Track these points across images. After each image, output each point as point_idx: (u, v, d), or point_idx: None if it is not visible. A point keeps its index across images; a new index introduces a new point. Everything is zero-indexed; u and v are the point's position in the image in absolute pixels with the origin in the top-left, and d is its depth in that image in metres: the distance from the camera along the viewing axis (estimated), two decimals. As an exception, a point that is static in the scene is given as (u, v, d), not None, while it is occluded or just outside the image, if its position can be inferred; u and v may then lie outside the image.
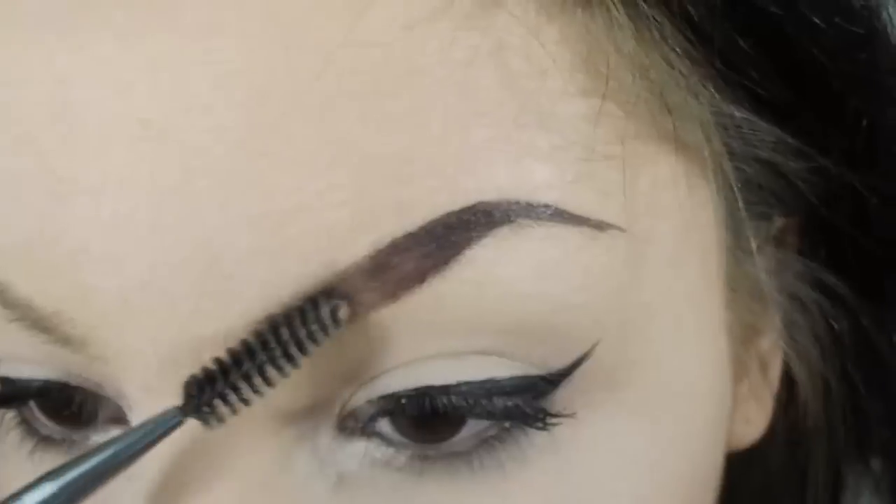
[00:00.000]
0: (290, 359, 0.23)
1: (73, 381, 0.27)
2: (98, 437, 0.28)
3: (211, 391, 0.23)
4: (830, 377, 0.34)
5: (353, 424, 0.26)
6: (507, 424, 0.25)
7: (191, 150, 0.23)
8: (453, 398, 0.25)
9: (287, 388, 0.24)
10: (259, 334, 0.23)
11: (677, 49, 0.25)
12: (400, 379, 0.25)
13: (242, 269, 0.23)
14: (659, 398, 0.27)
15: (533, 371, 0.25)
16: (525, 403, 0.25)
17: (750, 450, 0.34)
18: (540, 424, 0.25)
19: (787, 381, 0.34)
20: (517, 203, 0.24)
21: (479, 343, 0.25)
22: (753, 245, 0.31)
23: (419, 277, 0.23)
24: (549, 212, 0.24)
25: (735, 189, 0.28)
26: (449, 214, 0.23)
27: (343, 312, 0.23)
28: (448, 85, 0.23)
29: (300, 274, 0.23)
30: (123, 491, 0.26)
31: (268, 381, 0.23)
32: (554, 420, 0.25)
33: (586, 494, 0.26)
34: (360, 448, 0.26)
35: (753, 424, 0.34)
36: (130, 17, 0.23)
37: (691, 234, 0.28)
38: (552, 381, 0.25)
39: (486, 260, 0.24)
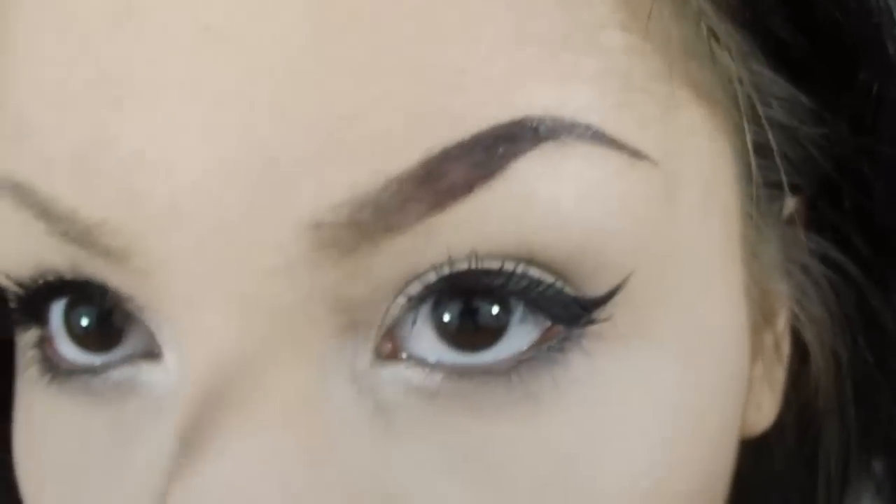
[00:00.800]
0: None
1: (109, 301, 0.27)
2: (121, 371, 0.28)
3: None
4: (841, 352, 0.35)
5: (391, 347, 0.26)
6: (542, 347, 0.26)
7: (251, 56, 0.24)
8: (495, 280, 0.25)
9: (327, 303, 0.25)
10: None
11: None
12: (443, 272, 0.25)
13: (297, 174, 0.24)
14: (687, 343, 0.28)
15: (571, 291, 0.26)
16: (561, 317, 0.26)
17: (761, 440, 0.35)
18: (569, 344, 0.26)
19: (799, 359, 0.35)
20: (562, 120, 0.25)
21: (523, 252, 0.25)
22: (774, 218, 0.32)
23: (467, 187, 0.24)
24: (590, 132, 0.25)
25: (750, 151, 0.30)
26: (498, 126, 0.24)
27: None
28: (502, 2, 0.24)
29: (353, 179, 0.24)
30: (147, 424, 0.27)
31: None
32: (582, 341, 0.26)
33: (617, 431, 0.27)
34: (396, 372, 0.26)
35: (764, 412, 0.34)
36: None
37: (714, 188, 0.29)
38: (587, 307, 0.26)
39: (530, 174, 0.24)
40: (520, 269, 0.25)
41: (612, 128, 0.25)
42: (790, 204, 0.33)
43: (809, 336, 0.34)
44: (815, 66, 0.30)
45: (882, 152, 0.33)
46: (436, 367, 0.26)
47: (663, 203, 0.27)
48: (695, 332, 0.28)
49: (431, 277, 0.25)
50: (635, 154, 0.26)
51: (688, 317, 0.28)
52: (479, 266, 0.25)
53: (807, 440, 0.36)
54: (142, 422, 0.27)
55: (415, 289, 0.26)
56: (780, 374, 0.34)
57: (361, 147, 0.24)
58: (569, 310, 0.26)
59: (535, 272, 0.25)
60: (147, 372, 0.27)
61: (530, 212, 0.25)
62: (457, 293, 0.26)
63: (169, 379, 0.27)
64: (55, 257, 0.26)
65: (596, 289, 0.26)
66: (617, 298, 0.26)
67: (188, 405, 0.25)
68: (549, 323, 0.26)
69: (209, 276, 0.25)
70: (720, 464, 0.29)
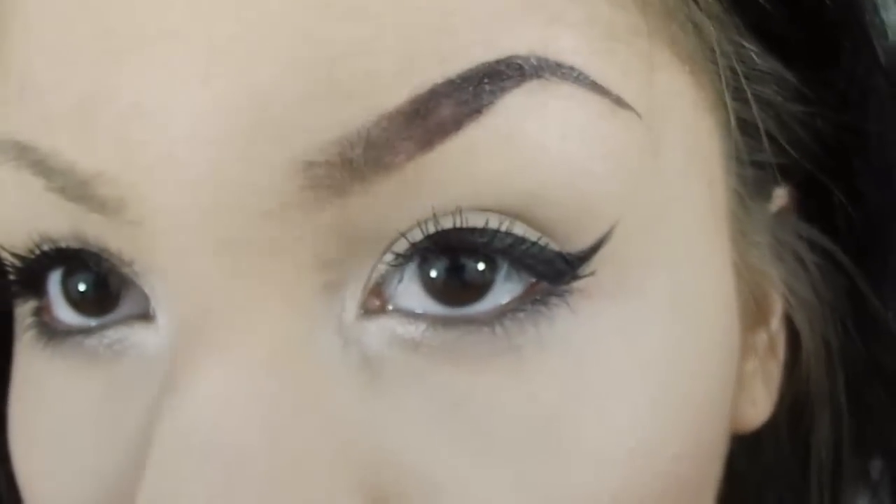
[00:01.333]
0: None
1: (104, 256, 0.27)
2: (115, 331, 0.28)
3: None
4: (832, 340, 0.35)
5: (378, 303, 0.26)
6: (525, 301, 0.26)
7: (244, 2, 0.24)
8: (479, 237, 0.26)
9: (318, 245, 0.25)
10: None
11: None
12: (429, 230, 0.26)
13: (291, 115, 0.24)
14: (672, 304, 0.28)
15: (555, 247, 0.26)
16: (546, 273, 0.26)
17: (755, 436, 0.35)
18: (554, 299, 0.26)
19: (792, 351, 0.35)
20: (546, 60, 0.25)
21: (507, 203, 0.26)
22: (762, 203, 0.32)
23: (455, 124, 0.25)
24: (574, 73, 0.26)
25: (735, 128, 0.30)
26: (484, 64, 0.25)
27: None
28: None
29: (342, 118, 0.24)
30: (138, 385, 0.27)
31: None
32: (567, 296, 0.26)
33: (602, 389, 0.27)
34: (382, 324, 0.26)
35: (759, 408, 0.34)
36: None
37: (698, 157, 0.29)
38: (572, 262, 0.26)
39: (516, 111, 0.25)
40: (504, 226, 0.26)
41: (595, 72, 0.26)
42: (780, 190, 0.33)
43: (800, 321, 0.34)
44: (799, 43, 0.31)
45: (868, 133, 0.33)
46: (421, 317, 0.26)
47: (647, 155, 0.27)
48: (680, 293, 0.28)
49: (417, 235, 0.26)
50: (618, 101, 0.26)
51: (673, 277, 0.28)
52: (464, 224, 0.26)
53: (799, 434, 0.36)
54: (134, 382, 0.28)
55: (401, 246, 0.26)
56: (775, 371, 0.35)
57: (351, 86, 0.24)
58: (553, 266, 0.26)
59: (519, 229, 0.26)
60: (140, 333, 0.28)
61: (516, 149, 0.25)
62: (442, 251, 0.26)
63: (161, 340, 0.27)
64: (53, 220, 0.27)
65: (581, 242, 0.26)
66: (602, 254, 0.26)
67: (176, 352, 0.26)
68: (533, 279, 0.26)
69: (202, 222, 0.25)
70: (709, 434, 0.29)
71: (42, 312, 0.29)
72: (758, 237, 0.32)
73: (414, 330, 0.26)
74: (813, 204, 0.35)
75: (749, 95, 0.30)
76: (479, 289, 0.26)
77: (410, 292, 0.26)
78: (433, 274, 0.26)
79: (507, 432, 0.26)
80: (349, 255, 0.26)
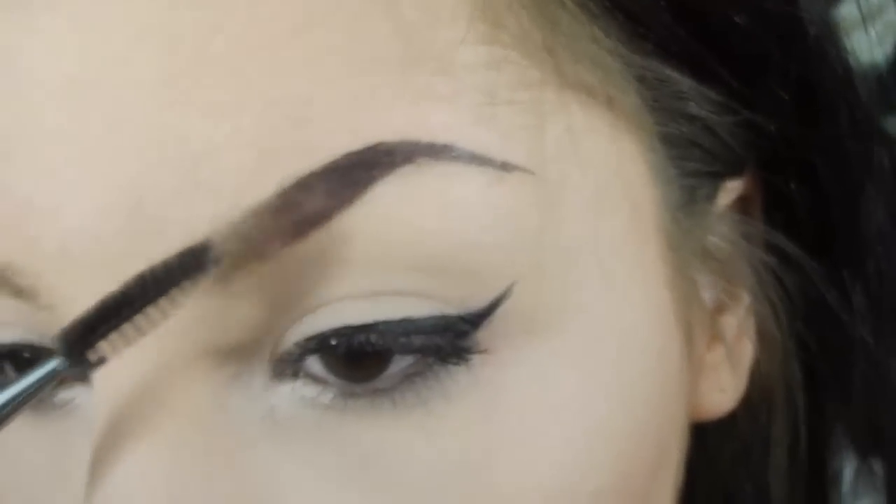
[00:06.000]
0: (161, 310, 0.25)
1: (38, 341, 0.29)
2: (63, 392, 0.29)
3: (86, 340, 0.25)
4: (789, 338, 0.35)
5: (285, 366, 0.27)
6: (428, 361, 0.26)
7: (112, 102, 0.25)
8: (372, 336, 0.26)
9: (218, 326, 0.26)
10: (128, 289, 0.25)
11: (575, 1, 0.27)
12: (322, 319, 0.26)
13: (163, 211, 0.25)
14: (587, 344, 0.28)
15: (451, 311, 0.26)
16: (444, 342, 0.26)
17: (727, 419, 0.35)
18: (455, 360, 0.26)
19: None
20: (417, 143, 0.25)
21: (395, 282, 0.26)
22: (703, 205, 0.32)
23: (325, 215, 0.25)
24: (450, 152, 0.25)
25: (659, 144, 0.29)
26: (350, 154, 0.25)
27: (213, 256, 0.25)
28: (342, 33, 0.25)
29: (213, 213, 0.25)
30: (83, 443, 0.28)
31: (139, 331, 0.25)
32: (469, 356, 0.26)
33: (515, 435, 0.27)
34: (290, 388, 0.27)
35: (728, 393, 0.34)
36: None
37: (617, 184, 0.29)
38: (471, 321, 0.26)
39: (390, 198, 0.25)
40: (397, 312, 0.26)
41: (474, 144, 0.26)
42: (729, 191, 0.33)
43: (761, 314, 0.34)
44: (712, 64, 0.30)
45: (814, 135, 0.32)
46: (329, 385, 0.27)
47: (544, 210, 0.27)
48: (596, 331, 0.28)
49: (308, 331, 0.26)
50: (504, 166, 0.26)
51: (584, 318, 0.28)
52: (345, 323, 0.26)
53: (759, 429, 0.36)
54: (77, 440, 0.29)
55: (296, 335, 0.27)
56: (745, 355, 0.34)
57: (218, 182, 0.25)
58: (453, 328, 0.26)
59: (408, 305, 0.26)
60: (81, 394, 0.29)
61: (394, 234, 0.25)
62: (339, 337, 0.27)
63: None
64: None
65: (478, 304, 0.26)
66: (504, 308, 0.26)
67: (99, 427, 0.27)
68: (433, 343, 0.27)
69: None
70: (643, 457, 0.30)
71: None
72: (702, 251, 0.32)
73: (323, 394, 0.27)
74: (770, 203, 0.34)
75: (672, 114, 0.30)
76: (379, 364, 0.27)
77: (315, 369, 0.27)
78: (332, 357, 0.27)
79: (419, 484, 0.27)
80: (248, 333, 0.27)
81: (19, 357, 0.30)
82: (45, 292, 0.27)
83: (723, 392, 0.34)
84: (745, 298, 0.34)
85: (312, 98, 0.25)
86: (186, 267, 0.25)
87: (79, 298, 0.26)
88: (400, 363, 0.27)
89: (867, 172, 0.34)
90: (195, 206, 0.25)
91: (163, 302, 0.25)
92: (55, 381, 0.25)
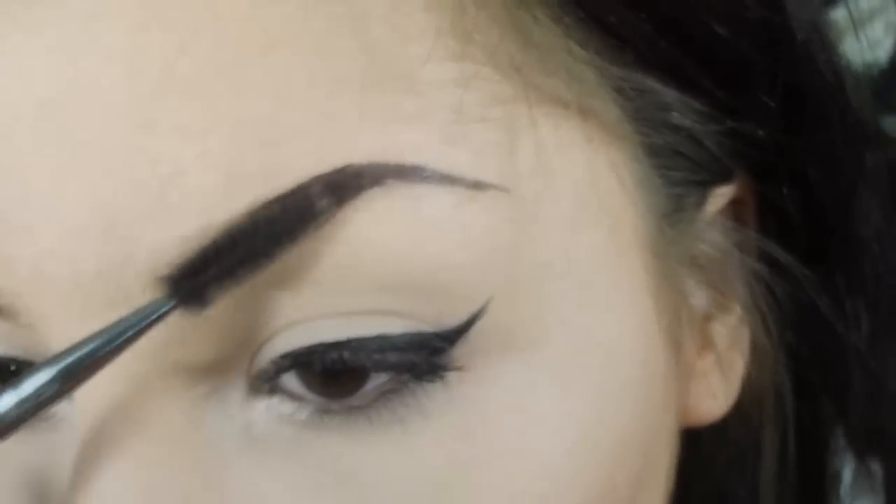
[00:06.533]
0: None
1: (22, 356, 0.29)
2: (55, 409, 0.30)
3: (197, 278, 0.25)
4: (778, 350, 0.34)
5: (261, 383, 0.27)
6: (403, 378, 0.26)
7: (81, 125, 0.25)
8: (345, 353, 0.26)
9: (191, 345, 0.26)
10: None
11: (549, 14, 0.26)
12: (296, 337, 0.26)
13: (133, 232, 0.25)
14: (566, 357, 0.28)
15: (427, 328, 0.26)
16: (420, 359, 0.26)
17: (720, 424, 0.35)
18: (430, 377, 0.26)
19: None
20: (386, 165, 0.25)
21: (368, 302, 0.26)
22: (691, 213, 0.31)
23: (291, 238, 0.25)
24: (420, 173, 0.25)
25: (643, 154, 0.29)
26: (318, 178, 0.25)
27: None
28: (307, 53, 0.25)
29: (182, 235, 0.25)
30: (66, 458, 0.29)
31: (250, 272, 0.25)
32: (444, 373, 0.26)
33: (493, 451, 0.27)
34: (266, 404, 0.27)
35: (720, 400, 0.34)
36: (29, 10, 0.25)
37: (595, 197, 0.28)
38: (447, 338, 0.26)
39: (359, 221, 0.25)
40: (371, 329, 0.26)
41: (443, 164, 0.25)
42: (719, 197, 0.32)
43: (753, 322, 0.34)
44: (698, 75, 0.29)
45: (805, 141, 0.32)
46: (305, 401, 0.27)
47: (518, 227, 0.27)
48: (575, 346, 0.28)
49: (282, 348, 0.26)
50: (475, 185, 0.26)
51: (563, 333, 0.28)
52: (327, 340, 0.26)
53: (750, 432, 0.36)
54: (65, 452, 0.29)
55: (271, 353, 0.27)
56: (737, 361, 0.34)
57: (185, 204, 0.25)
58: (428, 345, 0.26)
59: (380, 324, 0.26)
60: (66, 409, 0.29)
61: (363, 256, 0.25)
62: (313, 354, 0.27)
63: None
64: None
65: (453, 321, 0.26)
66: (480, 325, 0.26)
67: (80, 444, 0.27)
68: (408, 359, 0.27)
69: (77, 327, 0.26)
70: (626, 470, 0.29)
71: None
72: (690, 259, 0.31)
73: (300, 411, 0.27)
74: (766, 203, 0.34)
75: (655, 125, 0.29)
76: (355, 381, 0.27)
77: (292, 385, 0.27)
78: (308, 374, 0.27)
79: (397, 502, 0.27)
80: (222, 351, 0.27)
81: (4, 370, 0.30)
82: (24, 312, 0.27)
83: (714, 398, 0.34)
84: (736, 306, 0.33)
85: (279, 119, 0.25)
86: (291, 213, 0.24)
87: (55, 319, 0.26)
88: (376, 380, 0.27)
89: (860, 176, 0.34)
90: (164, 229, 0.25)
91: (269, 247, 0.25)
92: (162, 319, 0.25)
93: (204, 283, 0.25)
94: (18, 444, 0.30)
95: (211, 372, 0.27)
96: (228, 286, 0.25)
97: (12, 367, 0.29)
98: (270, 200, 0.24)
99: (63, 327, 0.26)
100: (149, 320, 0.25)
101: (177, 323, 0.26)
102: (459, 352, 0.27)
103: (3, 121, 0.25)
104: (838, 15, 0.35)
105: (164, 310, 0.25)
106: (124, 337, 0.25)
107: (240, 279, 0.25)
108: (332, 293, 0.26)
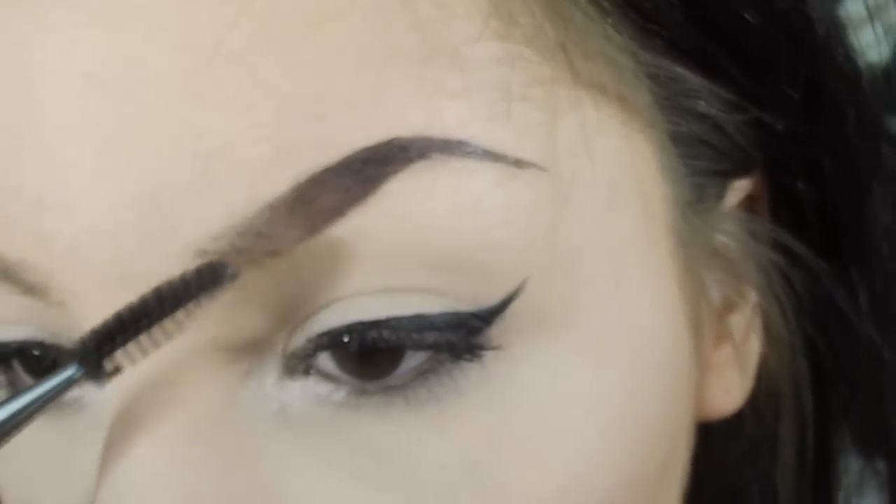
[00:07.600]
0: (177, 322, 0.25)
1: (48, 339, 0.29)
2: (73, 393, 0.29)
3: (102, 350, 0.25)
4: (796, 341, 0.35)
5: (297, 363, 0.27)
6: (441, 357, 0.26)
7: (126, 99, 0.25)
8: (384, 332, 0.26)
9: (232, 321, 0.26)
10: (145, 301, 0.25)
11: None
12: (334, 315, 0.26)
13: (178, 207, 0.25)
14: (598, 339, 0.28)
15: (464, 308, 0.26)
16: (457, 339, 0.26)
17: (734, 418, 0.35)
18: (468, 356, 0.26)
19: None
20: (431, 139, 0.25)
21: (407, 279, 0.26)
22: (712, 203, 0.32)
23: (339, 210, 0.25)
24: (464, 148, 0.25)
25: (669, 142, 0.30)
26: (365, 150, 0.25)
27: (230, 272, 0.25)
28: (359, 29, 0.25)
29: (228, 208, 0.25)
30: (91, 440, 0.28)
31: (155, 343, 0.25)
32: (481, 352, 0.26)
33: (527, 431, 0.27)
34: (302, 385, 0.27)
35: (734, 394, 0.34)
36: None
37: (628, 182, 0.29)
38: (484, 318, 0.26)
39: (403, 194, 0.25)
40: (409, 308, 0.26)
41: (487, 141, 0.26)
42: (737, 190, 0.33)
43: (770, 314, 0.34)
44: (726, 64, 0.30)
45: (822, 134, 0.32)
46: (341, 383, 0.27)
47: (556, 207, 0.27)
48: (607, 327, 0.28)
49: (319, 328, 0.26)
50: (517, 163, 0.26)
51: (595, 314, 0.28)
52: (365, 318, 0.26)
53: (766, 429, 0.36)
54: (89, 436, 0.29)
55: (308, 332, 0.27)
56: (752, 355, 0.34)
57: (233, 176, 0.25)
58: (465, 325, 0.26)
59: (420, 301, 0.26)
60: (91, 392, 0.29)
61: (406, 231, 0.25)
62: (351, 333, 0.27)
63: (108, 397, 0.28)
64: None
65: (490, 300, 0.26)
66: (516, 304, 0.27)
67: (112, 423, 0.27)
68: (445, 339, 0.27)
69: (114, 305, 0.26)
70: (655, 454, 0.30)
71: (10, 378, 0.31)
72: (712, 250, 0.32)
73: (336, 392, 0.27)
74: (778, 201, 0.34)
75: (683, 113, 0.30)
76: (391, 361, 0.27)
77: (328, 366, 0.27)
78: (344, 354, 0.27)
79: (433, 480, 0.27)
80: (261, 329, 0.27)
81: (28, 355, 0.30)
82: (56, 289, 0.26)
83: (729, 392, 0.34)
84: (753, 297, 0.34)
85: (328, 94, 0.25)
86: (204, 281, 0.25)
87: (91, 295, 0.26)
88: (412, 360, 0.27)
89: (874, 171, 0.35)
90: (209, 201, 0.25)
91: (180, 314, 0.25)
92: (70, 388, 0.25)
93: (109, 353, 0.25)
94: (37, 430, 0.30)
95: (248, 351, 0.27)
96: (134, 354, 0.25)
97: (35, 352, 0.29)
98: (320, 171, 0.25)
99: (99, 302, 0.26)
100: (56, 390, 0.25)
101: (216, 301, 0.26)
102: (495, 331, 0.27)
103: (46, 96, 0.25)
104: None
105: (72, 378, 0.25)
106: (31, 409, 0.26)
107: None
108: (373, 269, 0.26)
